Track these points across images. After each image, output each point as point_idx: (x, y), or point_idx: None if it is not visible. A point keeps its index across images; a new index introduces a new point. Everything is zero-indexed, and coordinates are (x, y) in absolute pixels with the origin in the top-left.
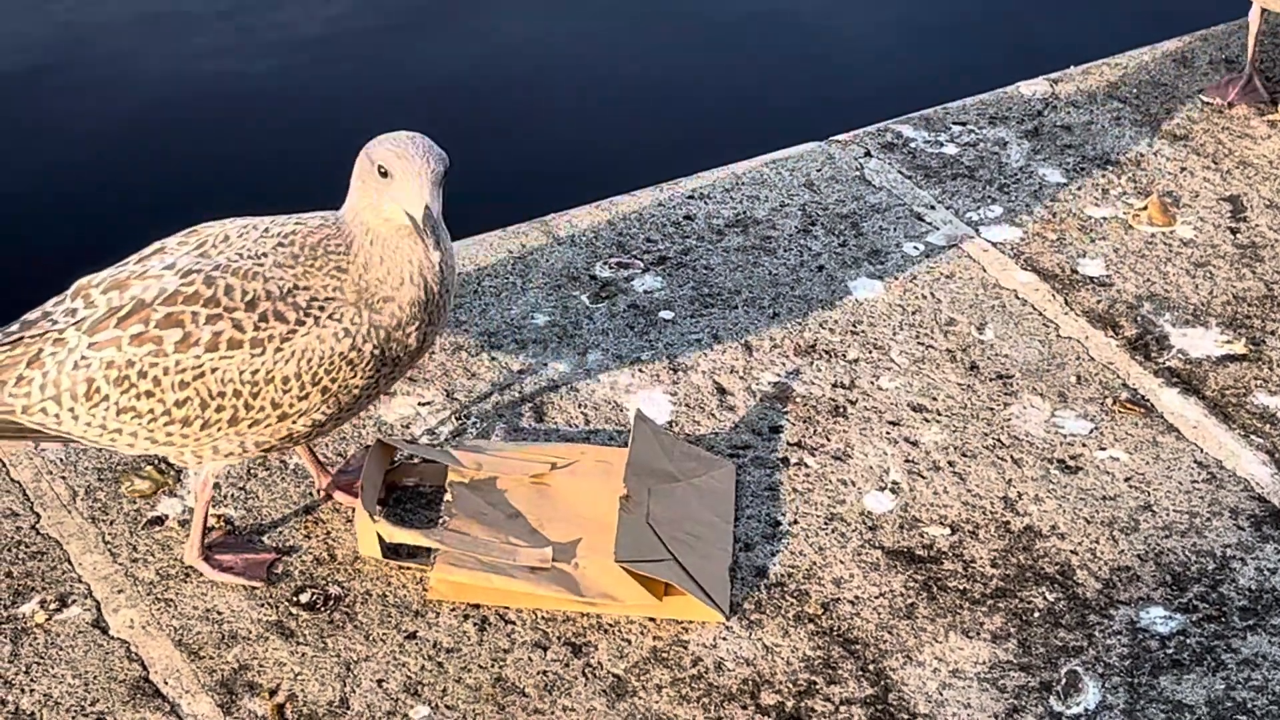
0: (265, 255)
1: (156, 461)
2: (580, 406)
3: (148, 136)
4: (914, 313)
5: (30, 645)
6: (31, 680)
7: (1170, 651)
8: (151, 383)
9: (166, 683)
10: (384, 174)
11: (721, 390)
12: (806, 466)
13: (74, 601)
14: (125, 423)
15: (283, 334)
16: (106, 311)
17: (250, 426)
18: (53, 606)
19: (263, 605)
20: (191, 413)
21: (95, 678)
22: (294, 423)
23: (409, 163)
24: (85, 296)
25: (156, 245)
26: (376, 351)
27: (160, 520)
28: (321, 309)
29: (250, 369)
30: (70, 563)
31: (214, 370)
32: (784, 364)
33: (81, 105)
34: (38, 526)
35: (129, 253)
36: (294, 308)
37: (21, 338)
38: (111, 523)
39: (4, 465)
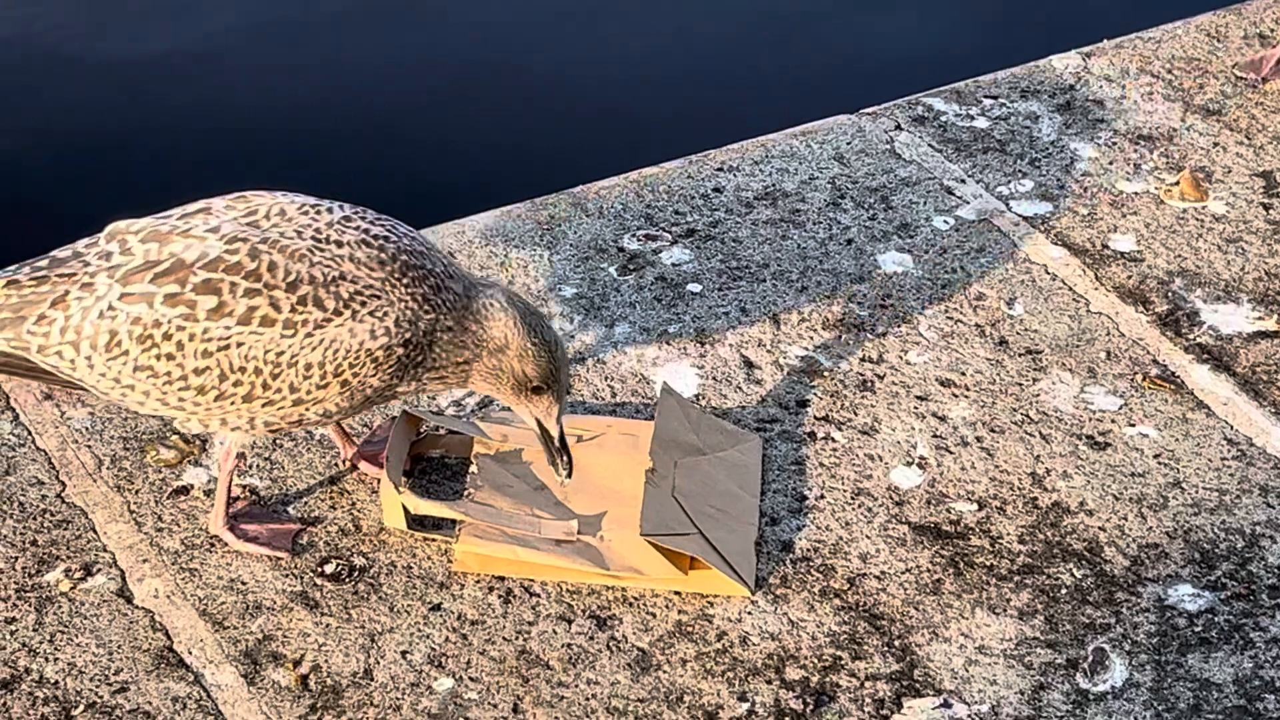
0: (340, 244)
1: (182, 430)
2: (607, 379)
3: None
4: (943, 287)
5: (55, 614)
6: (55, 649)
7: (1198, 629)
8: (175, 346)
9: (190, 652)
10: (536, 390)
11: (749, 364)
12: (833, 441)
13: (99, 570)
14: (139, 380)
15: (317, 320)
16: (143, 263)
17: (264, 406)
18: (77, 575)
19: (287, 576)
20: (209, 382)
21: (119, 647)
22: (307, 409)
23: (559, 390)
24: (122, 241)
25: (202, 204)
26: (407, 360)
27: (185, 490)
28: (364, 304)
29: (276, 349)
30: (95, 531)
31: (240, 345)
32: (812, 338)
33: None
34: (63, 495)
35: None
36: (335, 297)
37: (49, 276)
38: (137, 492)
39: (30, 433)
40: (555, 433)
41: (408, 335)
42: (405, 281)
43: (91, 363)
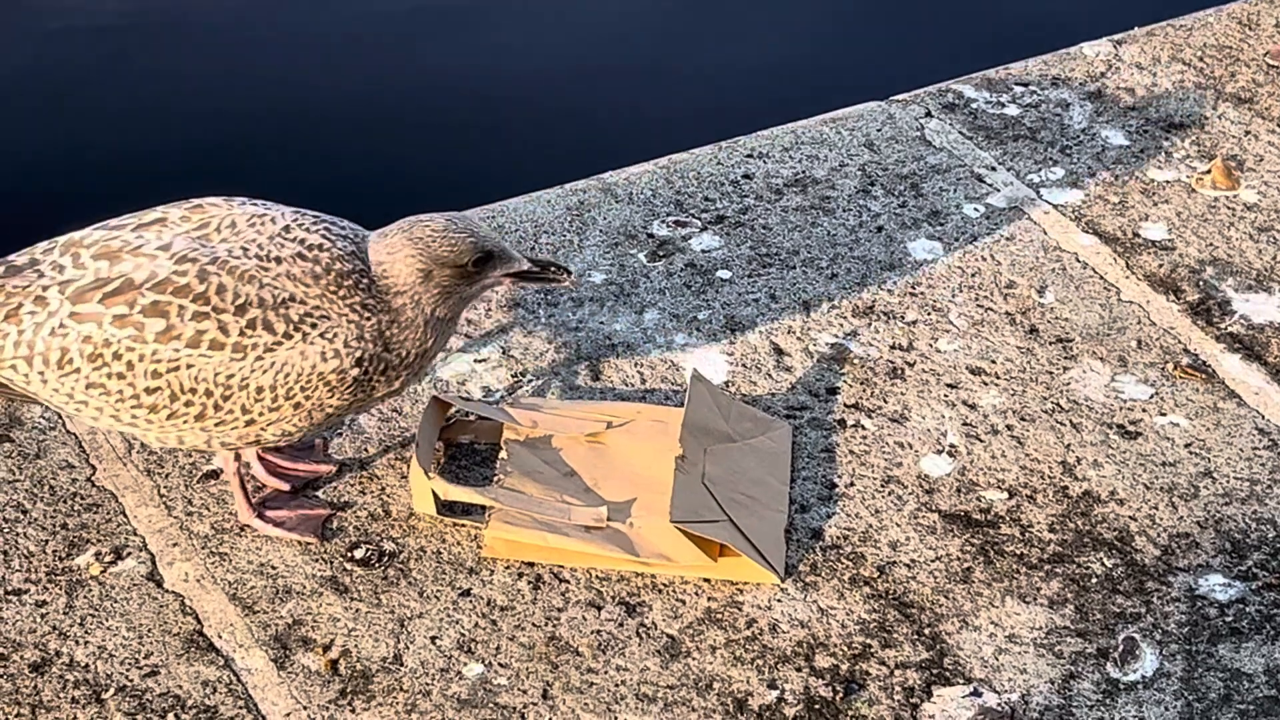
0: (279, 260)
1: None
2: (636, 365)
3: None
4: (973, 275)
5: (85, 597)
6: (86, 632)
7: (1229, 619)
8: (125, 366)
9: (221, 636)
10: (481, 261)
11: (779, 351)
12: (863, 428)
13: (129, 554)
14: (92, 397)
15: (267, 344)
16: (94, 282)
17: (216, 425)
18: (108, 559)
19: (317, 560)
20: (160, 401)
21: (149, 630)
22: (262, 430)
23: (490, 242)
24: (75, 255)
25: (158, 213)
26: (363, 378)
27: (216, 474)
28: (314, 326)
29: (226, 372)
30: (125, 515)
31: (189, 366)
32: (842, 325)
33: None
34: (93, 479)
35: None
36: (284, 320)
37: (4, 285)
38: (167, 476)
39: (60, 417)
40: (525, 266)
41: (358, 354)
42: (341, 293)
43: (45, 378)
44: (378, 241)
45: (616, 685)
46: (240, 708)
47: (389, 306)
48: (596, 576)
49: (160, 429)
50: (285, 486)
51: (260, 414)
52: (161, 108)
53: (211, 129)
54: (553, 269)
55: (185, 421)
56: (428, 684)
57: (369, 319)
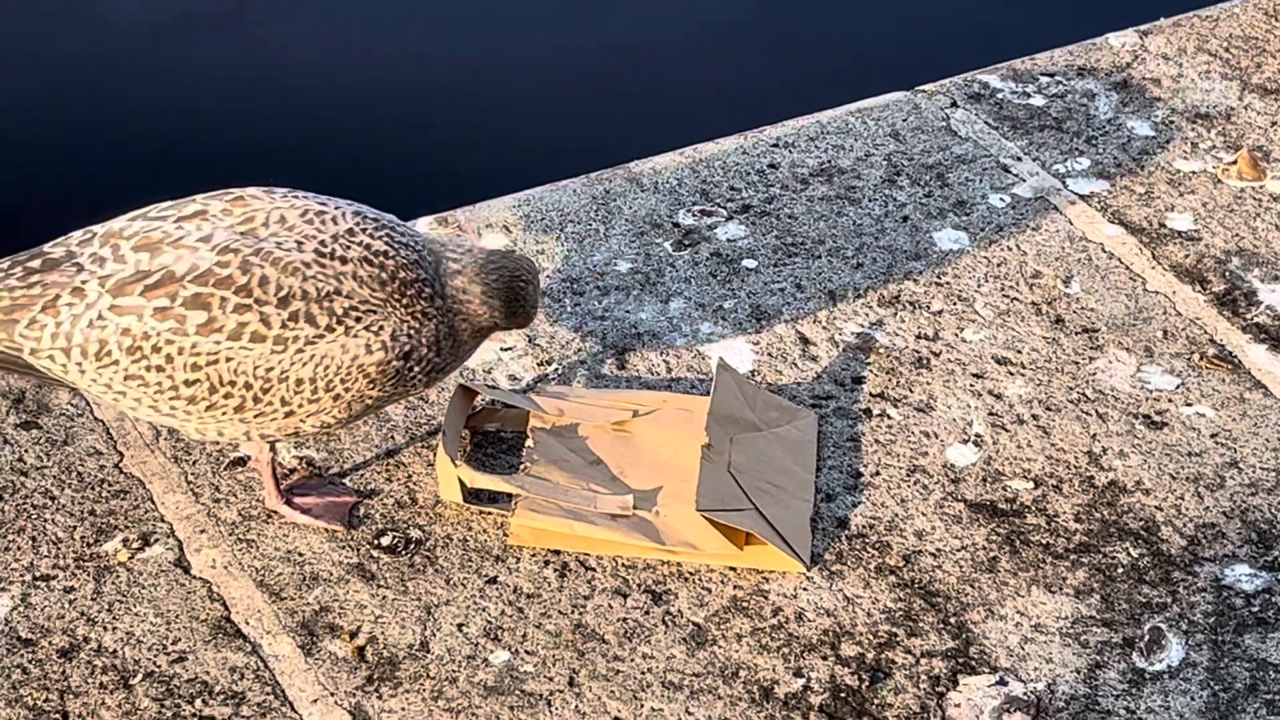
0: (345, 260)
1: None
2: (662, 354)
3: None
4: (999, 265)
5: (113, 583)
6: (114, 618)
7: (1255, 609)
8: (164, 359)
9: (248, 623)
10: (515, 312)
11: (804, 340)
12: (889, 418)
13: (156, 541)
14: (131, 388)
15: (308, 336)
16: (134, 274)
17: (256, 417)
18: (135, 545)
19: (344, 548)
20: (199, 393)
21: (177, 617)
22: (301, 421)
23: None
24: (115, 247)
25: (198, 205)
26: (405, 371)
27: (243, 461)
28: (358, 319)
29: (266, 365)
30: (153, 502)
31: (229, 359)
32: (867, 314)
33: None
34: (121, 465)
35: None
36: (328, 313)
37: (41, 280)
38: (194, 463)
39: (88, 404)
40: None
41: (407, 348)
42: (404, 301)
43: (83, 369)
44: (469, 265)
45: (642, 673)
46: (267, 694)
47: (449, 320)
48: (622, 564)
49: (199, 420)
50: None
51: (300, 405)
52: (206, 96)
53: (235, 122)
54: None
55: (224, 413)
56: (454, 671)
57: (428, 324)
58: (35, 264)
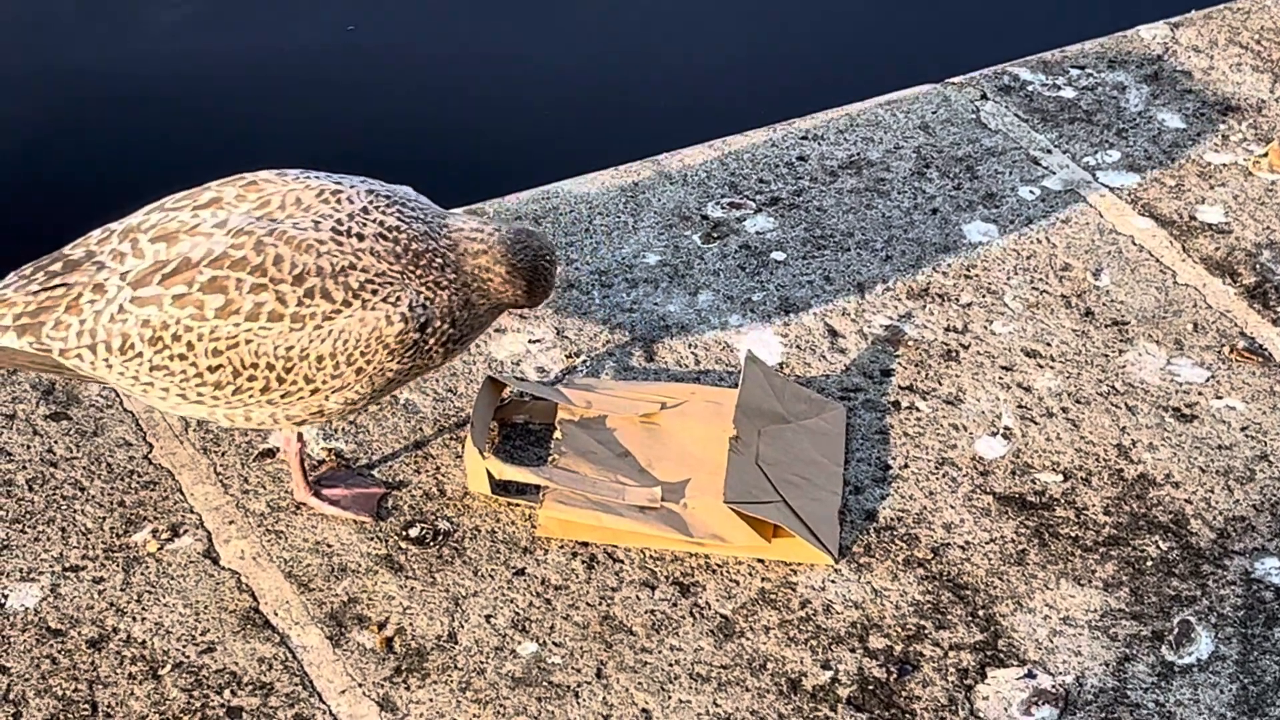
0: (361, 238)
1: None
2: (690, 346)
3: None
4: (1029, 257)
5: (142, 574)
6: (143, 609)
7: None
8: (185, 347)
9: (276, 614)
10: (536, 292)
11: (833, 332)
12: (918, 410)
13: (185, 531)
14: (158, 379)
15: (326, 312)
16: (152, 265)
17: (282, 398)
18: (164, 536)
19: (372, 539)
20: (224, 378)
21: (206, 607)
22: (325, 398)
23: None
24: (133, 241)
25: (212, 192)
26: (423, 343)
27: (272, 453)
28: (375, 292)
29: (285, 344)
30: (182, 493)
31: (248, 342)
32: (896, 307)
33: None
34: (150, 456)
35: None
36: (343, 288)
37: (64, 281)
38: (223, 454)
39: (118, 395)
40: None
41: (422, 319)
42: (418, 272)
43: (110, 364)
44: (493, 248)
45: (670, 665)
46: (296, 684)
47: (463, 292)
48: (650, 557)
49: (228, 405)
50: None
51: (324, 382)
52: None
53: (261, 116)
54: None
55: (250, 396)
56: (482, 662)
57: (441, 292)
58: (57, 267)
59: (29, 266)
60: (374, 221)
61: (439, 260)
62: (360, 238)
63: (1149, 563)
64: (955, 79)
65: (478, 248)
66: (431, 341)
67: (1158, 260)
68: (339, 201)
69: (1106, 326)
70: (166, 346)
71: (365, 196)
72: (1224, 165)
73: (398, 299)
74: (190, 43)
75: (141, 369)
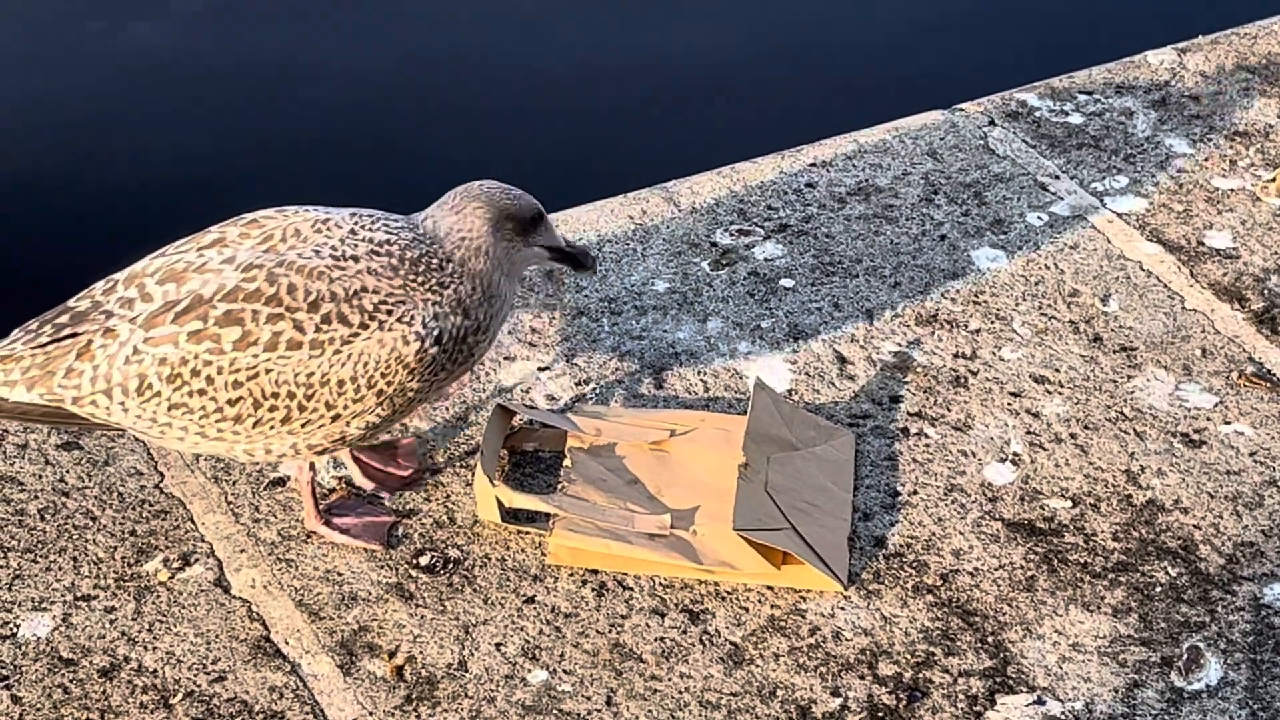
0: (356, 259)
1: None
2: (700, 374)
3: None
4: (1037, 283)
5: (153, 603)
6: (154, 638)
7: None
8: (205, 381)
9: (287, 642)
10: (529, 225)
11: (842, 359)
12: (927, 437)
13: (196, 560)
14: (176, 418)
15: (344, 337)
16: (163, 305)
17: (303, 427)
18: (175, 565)
19: (382, 567)
20: (244, 411)
21: (217, 636)
22: (346, 424)
23: (538, 207)
24: (140, 286)
25: (215, 234)
26: (442, 355)
27: (282, 481)
28: (390, 312)
29: (306, 371)
30: (193, 522)
31: (268, 371)
32: (905, 333)
33: None
34: (161, 485)
35: None
36: (359, 310)
37: (72, 331)
38: (234, 483)
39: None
40: (562, 244)
41: (437, 331)
42: (419, 279)
43: (126, 407)
44: (438, 211)
45: (680, 692)
46: (307, 713)
47: (463, 272)
48: (660, 584)
49: (248, 439)
50: (381, 493)
51: (345, 408)
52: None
53: (263, 144)
54: (586, 255)
55: (271, 427)
56: (492, 690)
57: (446, 290)
58: (64, 319)
59: (34, 321)
60: (364, 240)
61: (435, 260)
62: (355, 259)
63: (1158, 589)
64: (963, 105)
65: (442, 211)
66: (449, 346)
67: (1165, 286)
68: (329, 228)
69: (1115, 352)
70: (186, 383)
71: (350, 219)
72: (1231, 190)
73: (411, 318)
74: (173, 59)
75: (160, 409)
